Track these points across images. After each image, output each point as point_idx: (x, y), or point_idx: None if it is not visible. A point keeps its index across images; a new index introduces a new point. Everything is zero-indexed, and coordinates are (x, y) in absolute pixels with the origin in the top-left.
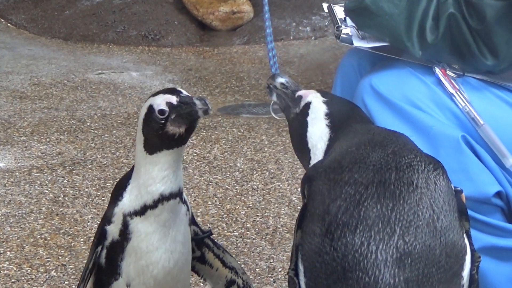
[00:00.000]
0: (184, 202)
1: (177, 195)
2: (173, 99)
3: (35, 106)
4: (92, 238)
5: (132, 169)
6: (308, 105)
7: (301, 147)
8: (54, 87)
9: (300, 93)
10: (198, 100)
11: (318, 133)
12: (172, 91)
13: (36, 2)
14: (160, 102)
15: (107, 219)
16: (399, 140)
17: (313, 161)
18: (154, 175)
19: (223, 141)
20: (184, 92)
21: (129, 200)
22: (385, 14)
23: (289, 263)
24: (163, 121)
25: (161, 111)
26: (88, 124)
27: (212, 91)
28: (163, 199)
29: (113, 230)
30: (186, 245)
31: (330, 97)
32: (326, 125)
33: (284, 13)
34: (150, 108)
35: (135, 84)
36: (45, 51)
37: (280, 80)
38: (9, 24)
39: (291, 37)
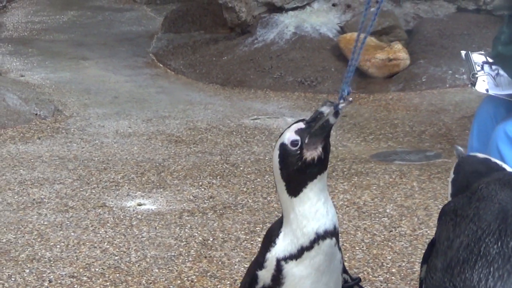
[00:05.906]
0: (339, 249)
1: (333, 234)
2: (300, 125)
3: (189, 150)
4: (239, 281)
5: (281, 218)
6: None
7: None
8: (209, 131)
9: None
10: (325, 107)
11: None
12: (297, 121)
13: (194, 48)
14: (289, 134)
15: (258, 264)
16: None
17: None
18: (306, 214)
19: (374, 187)
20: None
21: (284, 245)
22: None
23: None
24: (298, 151)
25: (293, 142)
26: (241, 168)
27: (366, 137)
28: (318, 238)
29: (264, 276)
30: None
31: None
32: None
33: (440, 61)
34: (282, 146)
35: None
36: (202, 96)
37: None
38: (168, 70)
39: (447, 85)
